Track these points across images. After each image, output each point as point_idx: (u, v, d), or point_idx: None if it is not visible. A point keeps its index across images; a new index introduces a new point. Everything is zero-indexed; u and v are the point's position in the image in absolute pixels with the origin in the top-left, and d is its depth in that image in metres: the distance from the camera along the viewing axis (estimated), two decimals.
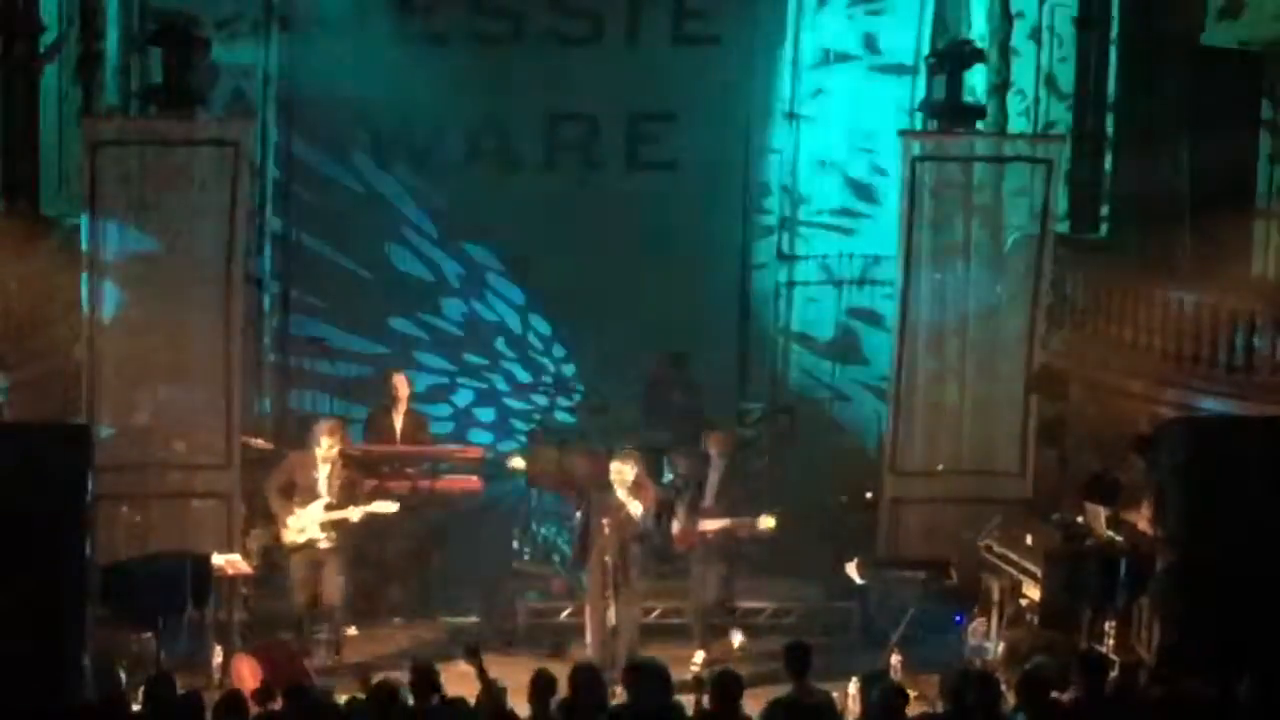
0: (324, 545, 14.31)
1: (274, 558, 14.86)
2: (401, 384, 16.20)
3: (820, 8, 17.72)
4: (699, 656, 14.21)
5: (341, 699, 10.86)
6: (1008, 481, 15.69)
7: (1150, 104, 17.24)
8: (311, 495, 14.33)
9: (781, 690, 10.76)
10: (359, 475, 14.71)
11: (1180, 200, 16.88)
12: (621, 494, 13.86)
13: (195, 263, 14.87)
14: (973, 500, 15.42)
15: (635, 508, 13.82)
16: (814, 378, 18.06)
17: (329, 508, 14.30)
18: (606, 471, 14.18)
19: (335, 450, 14.44)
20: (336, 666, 14.00)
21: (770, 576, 15.89)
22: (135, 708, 10.54)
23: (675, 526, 14.69)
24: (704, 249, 17.64)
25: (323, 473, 14.38)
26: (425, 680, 10.47)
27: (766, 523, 14.44)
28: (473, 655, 11.12)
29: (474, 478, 16.10)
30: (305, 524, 14.28)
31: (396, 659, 13.85)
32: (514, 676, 10.87)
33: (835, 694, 11.32)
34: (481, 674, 10.93)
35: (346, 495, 14.39)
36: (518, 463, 16.22)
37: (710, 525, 14.51)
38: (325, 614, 14.50)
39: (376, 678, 10.86)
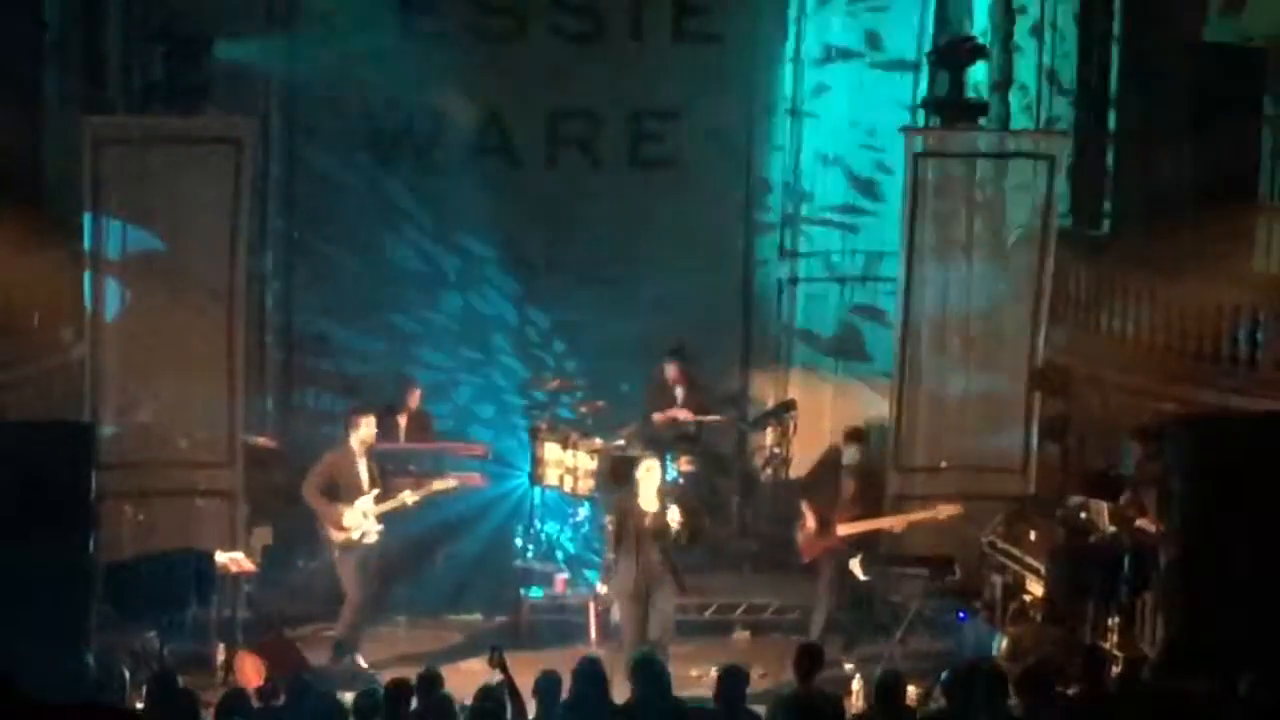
0: (370, 540, 14.08)
1: (291, 556, 14.88)
2: (415, 396, 16.20)
3: (822, 4, 17.67)
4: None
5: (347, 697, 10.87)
6: (1010, 478, 15.70)
7: (1152, 100, 17.23)
8: (356, 490, 14.08)
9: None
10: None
11: (1183, 196, 16.85)
12: (651, 495, 13.66)
13: (198, 261, 14.89)
14: (976, 496, 15.42)
15: (673, 512, 13.62)
16: (817, 374, 18.03)
17: (379, 499, 14.11)
18: (628, 472, 13.98)
19: (373, 434, 14.24)
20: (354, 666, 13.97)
21: (773, 574, 15.90)
22: (139, 705, 10.56)
23: (800, 536, 14.80)
24: (706, 246, 17.61)
25: (362, 465, 14.16)
26: (429, 683, 10.45)
27: (948, 511, 14.61)
28: (497, 658, 10.86)
29: (477, 475, 16.08)
30: (360, 519, 14.03)
31: (399, 657, 13.87)
32: (519, 674, 10.85)
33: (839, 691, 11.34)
34: (507, 677, 10.67)
35: (382, 483, 14.23)
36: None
37: (850, 530, 14.59)
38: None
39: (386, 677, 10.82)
